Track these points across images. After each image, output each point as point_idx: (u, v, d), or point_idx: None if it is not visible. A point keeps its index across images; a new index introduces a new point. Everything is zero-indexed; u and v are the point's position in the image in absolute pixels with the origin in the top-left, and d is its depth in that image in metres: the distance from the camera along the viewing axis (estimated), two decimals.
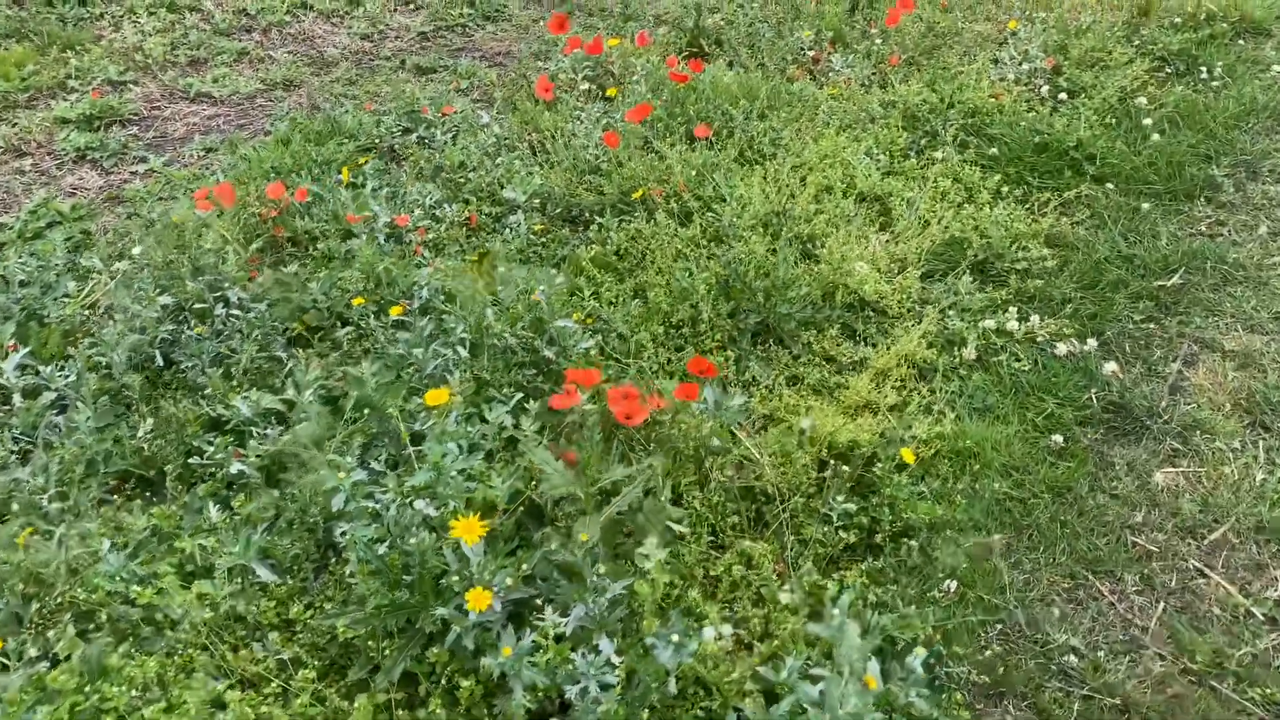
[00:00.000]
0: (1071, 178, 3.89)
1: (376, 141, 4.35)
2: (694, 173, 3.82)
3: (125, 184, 4.16)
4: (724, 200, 3.66)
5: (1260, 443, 2.76)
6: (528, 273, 3.30)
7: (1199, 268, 3.41)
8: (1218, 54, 4.85)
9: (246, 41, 5.38)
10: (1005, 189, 3.83)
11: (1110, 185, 3.84)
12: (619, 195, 3.81)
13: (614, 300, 3.26)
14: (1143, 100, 4.35)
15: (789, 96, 4.65)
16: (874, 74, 4.82)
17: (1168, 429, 2.82)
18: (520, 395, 2.59)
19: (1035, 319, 3.11)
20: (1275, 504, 2.57)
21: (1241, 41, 5.17)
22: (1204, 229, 3.63)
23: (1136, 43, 4.95)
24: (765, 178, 3.83)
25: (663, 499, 2.32)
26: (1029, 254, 3.43)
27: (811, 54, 5.05)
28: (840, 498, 2.38)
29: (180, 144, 4.46)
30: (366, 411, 2.58)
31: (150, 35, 5.28)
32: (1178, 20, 5.17)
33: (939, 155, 3.98)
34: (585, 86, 4.70)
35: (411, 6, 5.82)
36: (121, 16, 5.49)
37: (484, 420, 2.48)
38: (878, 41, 4.99)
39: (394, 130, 4.43)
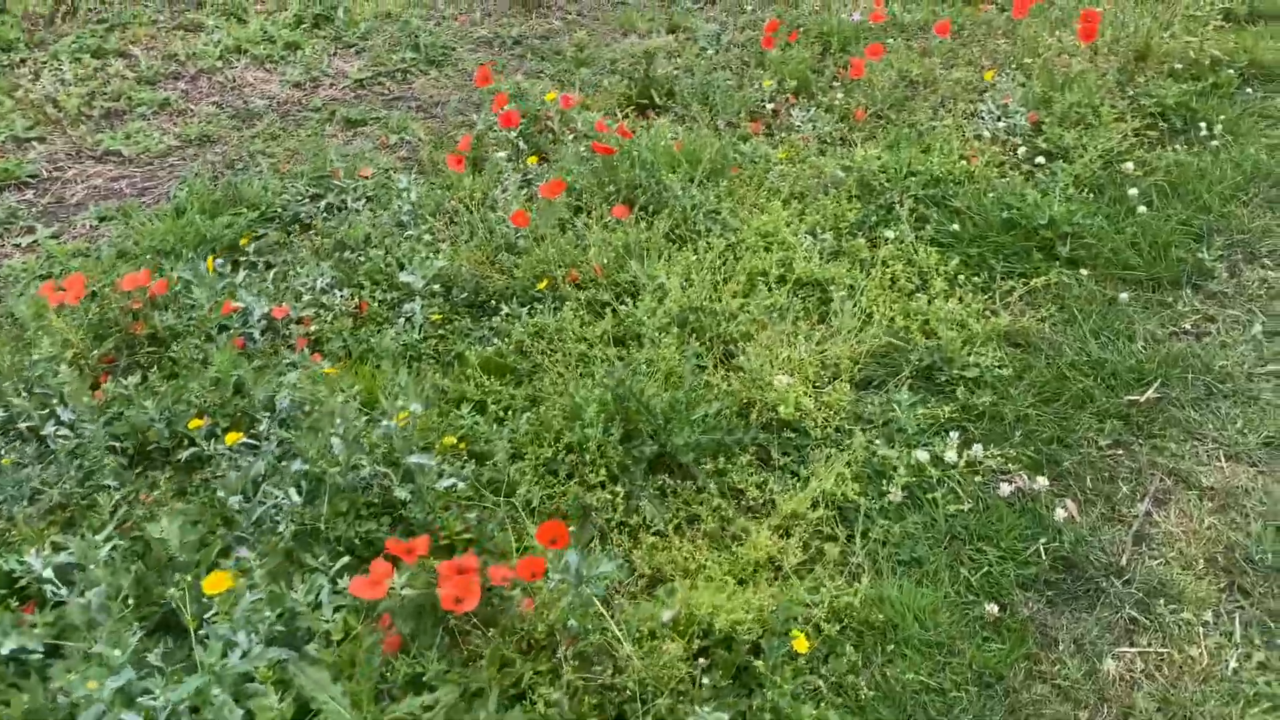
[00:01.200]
0: (1041, 261, 3.44)
1: (280, 211, 3.98)
2: (613, 255, 3.41)
3: (5, 259, 3.81)
4: (642, 291, 3.25)
5: (1237, 615, 2.31)
6: (408, 380, 2.92)
7: (1180, 377, 2.95)
8: (1220, 107, 4.38)
9: (171, 90, 5.04)
10: (964, 275, 3.39)
11: (1085, 271, 3.39)
12: (531, 279, 3.41)
13: (502, 415, 2.86)
14: (1129, 166, 3.89)
15: (739, 157, 4.24)
16: (837, 129, 4.39)
17: (1127, 593, 2.37)
18: (345, 560, 2.19)
19: (979, 449, 2.67)
20: (1250, 703, 2.12)
21: (1249, 90, 4.69)
22: (1189, 326, 3.17)
23: (1130, 94, 4.49)
24: (694, 260, 3.41)
25: (490, 708, 1.92)
26: (983, 358, 2.99)
27: (771, 106, 4.63)
28: (707, 708, 1.95)
29: (75, 211, 4.12)
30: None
31: (69, 85, 4.96)
32: (1178, 66, 4.70)
33: (890, 234, 3.55)
34: (520, 146, 4.32)
35: (353, 50, 5.45)
36: (44, 64, 5.17)
37: (292, 597, 2.08)
38: (839, 95, 4.56)
39: (302, 196, 4.06)
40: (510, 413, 2.87)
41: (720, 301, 3.17)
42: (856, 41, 5.20)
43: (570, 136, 4.26)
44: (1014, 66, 4.76)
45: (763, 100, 4.67)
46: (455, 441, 2.69)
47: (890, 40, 5.05)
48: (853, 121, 4.45)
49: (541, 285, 3.26)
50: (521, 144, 4.32)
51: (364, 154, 4.42)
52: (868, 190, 3.82)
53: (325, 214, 3.96)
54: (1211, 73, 4.68)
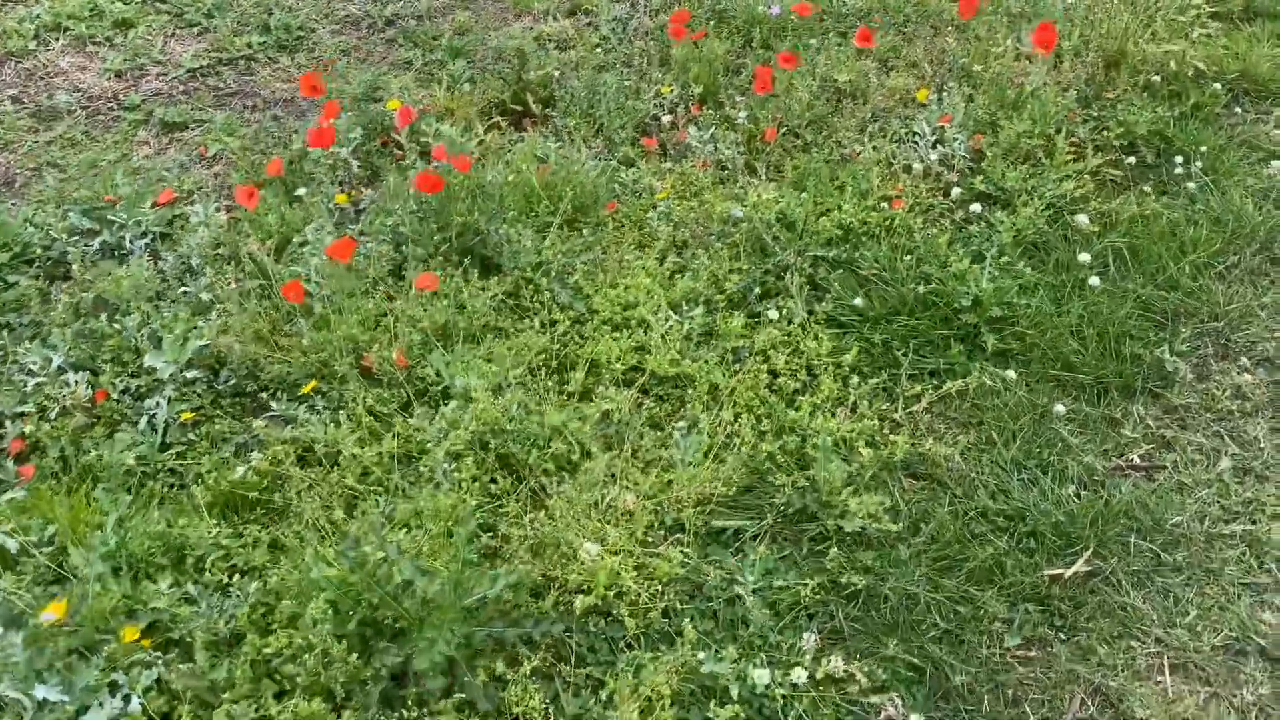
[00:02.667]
0: (961, 355, 2.73)
1: (41, 251, 3.23)
2: (420, 339, 2.69)
3: None
4: (443, 398, 2.54)
5: None
6: (121, 519, 2.24)
7: (1119, 540, 2.26)
8: (1201, 135, 3.64)
9: None
10: (863, 371, 2.68)
11: (1013, 373, 2.68)
12: (319, 363, 2.69)
13: (227, 579, 2.17)
14: (1084, 219, 3.16)
15: (618, 189, 3.49)
16: (741, 153, 3.63)
17: None
18: None
19: (840, 661, 1.99)
20: None
21: (1239, 110, 3.94)
22: (1139, 458, 2.48)
23: (1096, 114, 3.74)
24: (524, 346, 2.69)
25: None
26: (869, 502, 2.30)
27: (669, 118, 3.87)
28: None
29: None
30: None
31: None
32: (1156, 79, 3.94)
33: (772, 315, 2.82)
34: (354, 167, 3.56)
35: (194, 30, 4.63)
36: None
37: None
38: (749, 107, 3.78)
39: (77, 230, 3.30)
40: (237, 575, 2.18)
41: (541, 413, 2.45)
42: (784, 34, 4.41)
43: (415, 157, 3.50)
44: (960, 75, 4.00)
45: (659, 110, 3.90)
46: (137, 636, 2.00)
47: (812, 41, 4.26)
48: (761, 143, 3.69)
49: (308, 388, 2.54)
50: (355, 165, 3.56)
51: (168, 171, 3.65)
52: (759, 247, 3.08)
53: (95, 257, 3.21)
54: (1195, 87, 3.93)
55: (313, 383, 2.55)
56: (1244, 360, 2.73)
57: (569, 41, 4.50)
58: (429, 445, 2.35)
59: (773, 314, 2.81)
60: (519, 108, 3.97)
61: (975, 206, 3.22)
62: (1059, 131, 3.48)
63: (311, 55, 4.48)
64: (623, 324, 2.82)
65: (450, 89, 4.09)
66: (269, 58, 4.46)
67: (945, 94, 3.72)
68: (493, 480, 2.34)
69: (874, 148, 3.58)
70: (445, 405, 2.49)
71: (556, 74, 4.05)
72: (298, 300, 2.65)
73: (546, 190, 3.31)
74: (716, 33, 4.44)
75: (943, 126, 3.53)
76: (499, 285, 2.91)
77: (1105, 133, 3.51)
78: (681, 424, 2.48)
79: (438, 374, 2.58)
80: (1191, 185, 3.39)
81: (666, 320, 2.76)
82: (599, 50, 4.42)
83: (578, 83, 3.99)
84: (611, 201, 3.42)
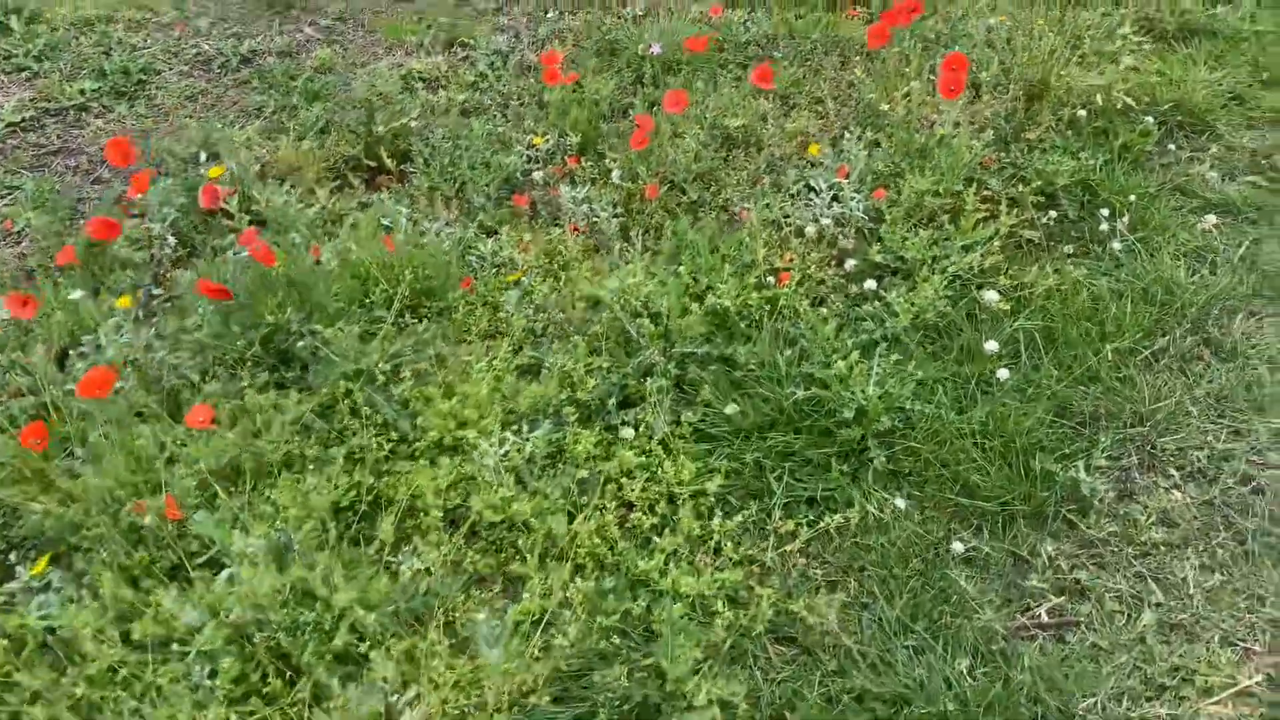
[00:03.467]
0: (844, 477, 2.33)
1: None
2: (193, 485, 2.25)
3: None
4: (217, 564, 2.10)
5: None
6: None
7: None
8: (1130, 182, 3.26)
9: None
10: (729, 505, 2.28)
11: (904, 500, 2.28)
12: (83, 511, 2.25)
13: None
14: (993, 296, 2.77)
15: (475, 263, 3.07)
16: (618, 215, 3.22)
17: None
18: None
19: None
20: None
21: (1173, 146, 3.57)
22: (1046, 615, 2.09)
23: (1013, 159, 3.35)
24: (328, 485, 2.26)
25: None
26: (717, 691, 1.89)
27: (540, 173, 3.44)
28: None
29: None
30: None
31: None
32: (1081, 112, 3.55)
33: (629, 432, 2.41)
34: (169, 245, 3.10)
35: (23, 76, 4.13)
36: None
37: None
38: (616, 170, 3.36)
39: None
40: None
41: (330, 587, 2.02)
42: (678, 68, 3.98)
43: (245, 226, 3.05)
44: (866, 115, 3.60)
45: (530, 165, 3.47)
46: None
47: (699, 84, 3.84)
48: (642, 202, 3.27)
49: (37, 568, 2.09)
50: (170, 242, 3.10)
51: None
52: (624, 340, 2.67)
53: None
54: (1124, 123, 3.55)
55: (43, 559, 2.10)
56: (1173, 472, 2.35)
57: (441, 80, 4.06)
58: (178, 637, 1.91)
59: (628, 433, 2.39)
60: (373, 164, 3.52)
61: (870, 283, 2.82)
62: (970, 184, 3.08)
63: (152, 103, 4.00)
64: (454, 446, 2.39)
65: (300, 141, 3.63)
66: (103, 106, 3.97)
67: (847, 139, 3.32)
68: (264, 679, 1.92)
69: (766, 205, 3.18)
70: (219, 575, 2.05)
71: (415, 124, 3.60)
72: (38, 446, 2.19)
73: (385, 272, 2.88)
74: (604, 68, 4.01)
75: (840, 182, 3.13)
76: (307, 402, 2.47)
77: (1021, 186, 3.11)
78: (538, 549, 2.07)
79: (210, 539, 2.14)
80: (1117, 246, 3.01)
81: (503, 444, 2.33)
82: (474, 89, 3.98)
83: (439, 134, 3.54)
84: (467, 278, 3.00)
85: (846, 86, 3.82)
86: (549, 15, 4.46)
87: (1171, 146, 3.57)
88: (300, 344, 2.62)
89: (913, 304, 2.70)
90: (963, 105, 3.56)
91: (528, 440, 2.37)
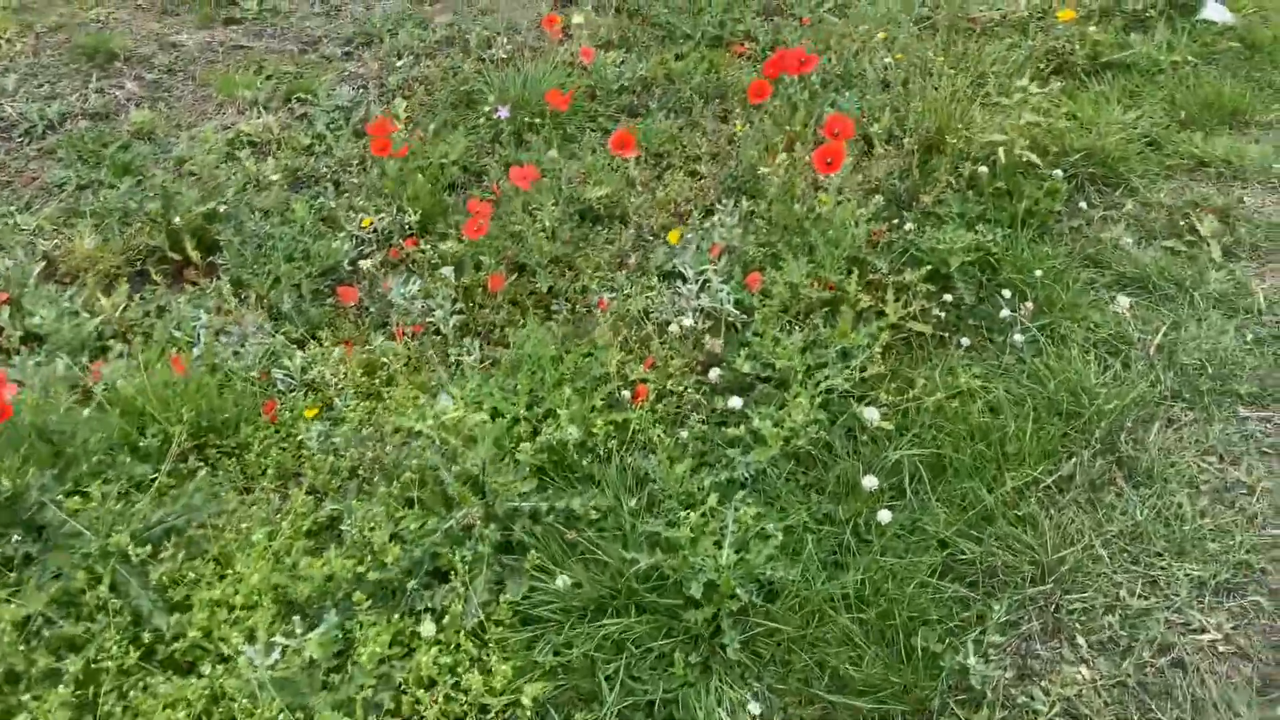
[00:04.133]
0: (690, 673, 1.92)
1: None
2: None
3: None
4: None
5: None
6: None
7: None
8: (1033, 257, 2.90)
9: None
10: (548, 717, 1.87)
11: (758, 705, 1.88)
12: None
13: None
14: (874, 415, 2.38)
15: (280, 384, 2.63)
16: (465, 308, 2.79)
17: None
18: None
19: None
20: None
21: (1084, 204, 3.23)
22: None
23: (906, 229, 2.97)
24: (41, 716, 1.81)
25: None
26: None
27: (367, 263, 2.99)
28: None
29: None
30: None
31: None
32: (982, 170, 3.19)
33: (427, 629, 1.98)
34: None
35: None
36: None
37: None
38: (449, 266, 2.92)
39: None
40: None
41: None
42: (539, 126, 3.54)
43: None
44: (746, 179, 3.20)
45: (361, 248, 3.02)
46: None
47: (551, 153, 3.41)
48: (486, 295, 2.85)
49: None
50: None
51: None
52: (440, 490, 2.24)
53: None
54: (1030, 180, 3.19)
55: None
56: (1080, 641, 1.98)
57: (272, 143, 3.58)
58: None
59: (428, 629, 1.96)
60: (178, 256, 3.05)
61: (735, 400, 2.42)
62: (854, 268, 2.70)
63: None
64: (211, 654, 1.95)
65: (98, 228, 3.15)
66: None
67: (719, 210, 2.93)
68: None
69: (626, 296, 2.77)
70: None
71: (230, 206, 3.13)
72: None
73: (163, 408, 2.42)
74: (458, 122, 3.57)
75: (709, 268, 2.72)
76: (44, 593, 2.02)
77: (910, 272, 2.72)
78: None
79: None
80: (1019, 338, 2.64)
81: (269, 652, 1.90)
82: (309, 153, 3.52)
83: (256, 216, 3.08)
84: (271, 402, 2.55)
85: (726, 142, 3.42)
86: (401, 62, 4.00)
87: (1083, 204, 3.22)
88: (50, 513, 2.16)
89: (782, 429, 2.30)
90: (852, 165, 3.19)
91: (305, 642, 1.93)
